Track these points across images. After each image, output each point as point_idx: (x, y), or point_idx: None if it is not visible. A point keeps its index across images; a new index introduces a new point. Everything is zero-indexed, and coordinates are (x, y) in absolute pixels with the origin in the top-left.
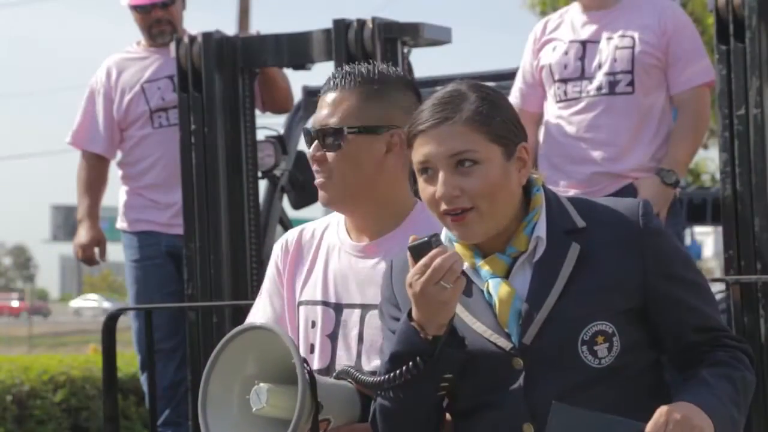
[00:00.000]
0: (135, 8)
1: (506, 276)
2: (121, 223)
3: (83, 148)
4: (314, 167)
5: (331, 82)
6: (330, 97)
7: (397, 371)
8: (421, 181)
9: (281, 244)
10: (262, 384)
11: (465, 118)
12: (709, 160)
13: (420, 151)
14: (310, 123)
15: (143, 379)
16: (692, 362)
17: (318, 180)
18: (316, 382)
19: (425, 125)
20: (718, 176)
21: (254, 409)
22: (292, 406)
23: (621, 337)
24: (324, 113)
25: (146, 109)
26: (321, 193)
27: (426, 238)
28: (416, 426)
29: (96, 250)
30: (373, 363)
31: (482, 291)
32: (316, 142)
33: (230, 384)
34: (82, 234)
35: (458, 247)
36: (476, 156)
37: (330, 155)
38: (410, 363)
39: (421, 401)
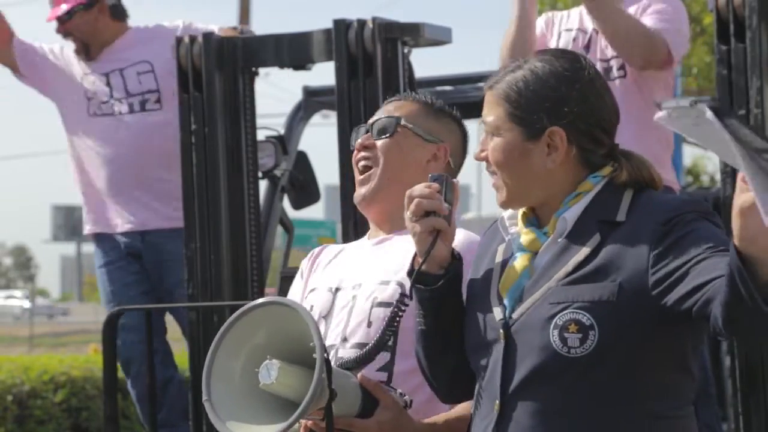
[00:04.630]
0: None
1: (536, 252)
2: (85, 226)
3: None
4: (361, 155)
5: (395, 97)
6: (391, 104)
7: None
8: None
9: (308, 257)
10: (274, 360)
11: (497, 90)
12: (707, 159)
13: None
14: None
15: (130, 382)
16: None
17: (363, 165)
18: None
19: (485, 86)
20: (717, 177)
21: (261, 384)
22: (299, 386)
23: (603, 334)
24: (381, 111)
25: (85, 104)
26: (366, 186)
27: (438, 174)
28: (429, 360)
29: None
30: (354, 340)
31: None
32: (368, 133)
33: (237, 351)
34: None
35: (520, 217)
36: (492, 128)
37: (379, 143)
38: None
39: (419, 334)
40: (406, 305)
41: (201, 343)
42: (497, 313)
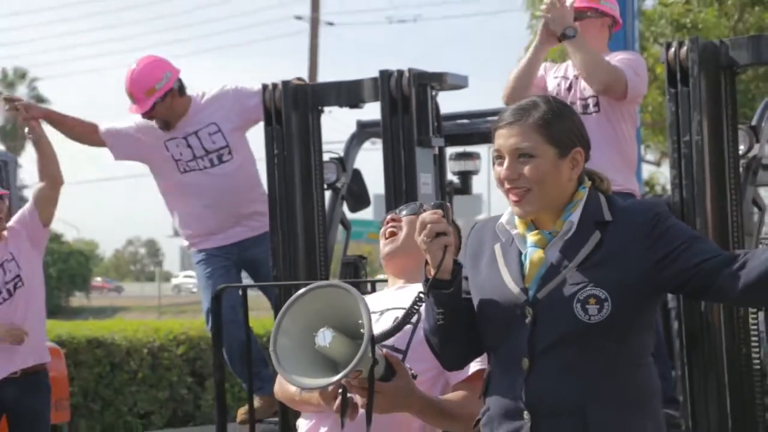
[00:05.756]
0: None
1: (543, 248)
2: (189, 247)
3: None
4: (390, 224)
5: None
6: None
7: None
8: (495, 164)
9: None
10: (330, 329)
11: (530, 122)
12: (660, 173)
13: (496, 142)
14: None
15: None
16: (740, 266)
17: (389, 231)
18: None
19: (502, 123)
20: (668, 187)
21: (317, 345)
22: (346, 351)
23: (614, 305)
24: None
25: (174, 164)
26: (390, 245)
27: (439, 202)
28: (442, 344)
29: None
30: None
31: (521, 254)
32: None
33: (300, 317)
34: None
35: (518, 222)
36: (532, 151)
37: (404, 218)
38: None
39: (434, 327)
40: (423, 301)
41: None
42: (520, 295)
